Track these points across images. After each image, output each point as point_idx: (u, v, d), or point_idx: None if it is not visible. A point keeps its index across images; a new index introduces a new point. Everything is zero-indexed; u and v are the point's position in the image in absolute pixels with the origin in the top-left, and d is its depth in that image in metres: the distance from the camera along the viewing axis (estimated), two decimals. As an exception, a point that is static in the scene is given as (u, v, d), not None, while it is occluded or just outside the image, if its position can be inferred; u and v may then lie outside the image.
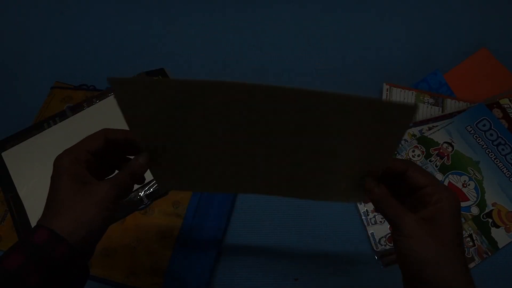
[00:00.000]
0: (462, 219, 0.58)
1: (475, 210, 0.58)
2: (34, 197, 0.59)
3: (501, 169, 0.61)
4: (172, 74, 0.71)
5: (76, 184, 0.33)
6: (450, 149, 0.63)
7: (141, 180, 0.38)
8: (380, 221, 0.59)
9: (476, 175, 0.61)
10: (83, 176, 0.34)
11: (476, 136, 0.63)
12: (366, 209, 0.59)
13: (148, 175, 0.38)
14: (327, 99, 0.32)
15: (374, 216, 0.59)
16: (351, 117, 0.33)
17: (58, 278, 0.31)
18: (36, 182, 0.60)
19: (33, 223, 0.56)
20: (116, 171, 0.40)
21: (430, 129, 0.64)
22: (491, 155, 0.62)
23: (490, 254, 0.56)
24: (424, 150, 0.63)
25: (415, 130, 0.65)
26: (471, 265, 0.55)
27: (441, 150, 0.63)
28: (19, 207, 0.58)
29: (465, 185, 0.60)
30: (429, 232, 0.35)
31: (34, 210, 0.58)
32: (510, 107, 0.65)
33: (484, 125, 0.64)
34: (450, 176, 0.61)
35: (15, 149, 0.63)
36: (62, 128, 0.63)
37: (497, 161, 0.61)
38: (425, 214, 0.36)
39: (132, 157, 0.38)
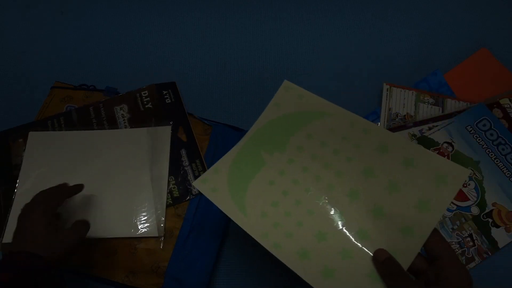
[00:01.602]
0: (463, 219, 0.58)
1: (475, 210, 0.58)
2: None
3: (501, 169, 0.61)
4: (171, 75, 0.71)
5: (49, 226, 0.46)
6: (450, 149, 0.63)
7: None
8: (380, 221, 0.59)
9: (476, 175, 0.61)
10: (54, 221, 0.48)
11: (476, 136, 0.63)
12: (366, 209, 0.59)
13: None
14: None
15: (374, 216, 0.59)
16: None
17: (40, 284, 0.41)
18: (40, 179, 0.60)
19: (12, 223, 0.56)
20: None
21: (430, 129, 0.64)
22: (491, 155, 0.62)
23: (490, 254, 0.56)
24: (424, 150, 0.62)
25: (415, 130, 0.65)
26: (471, 265, 0.55)
27: (441, 150, 0.63)
28: (8, 202, 0.58)
29: (465, 185, 0.60)
30: None
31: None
32: (510, 107, 0.65)
33: (484, 125, 0.64)
34: (450, 176, 0.61)
35: (40, 137, 0.63)
36: (87, 138, 0.63)
37: (497, 161, 0.61)
38: (422, 281, 0.35)
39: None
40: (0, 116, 0.67)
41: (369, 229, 0.40)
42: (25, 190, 0.58)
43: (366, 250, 0.39)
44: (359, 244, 0.39)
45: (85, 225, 0.50)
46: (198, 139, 0.64)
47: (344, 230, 0.41)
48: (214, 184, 0.45)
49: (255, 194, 0.44)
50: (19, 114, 0.66)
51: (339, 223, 0.41)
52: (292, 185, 0.44)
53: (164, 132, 0.63)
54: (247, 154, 0.47)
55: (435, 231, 0.37)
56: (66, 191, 0.52)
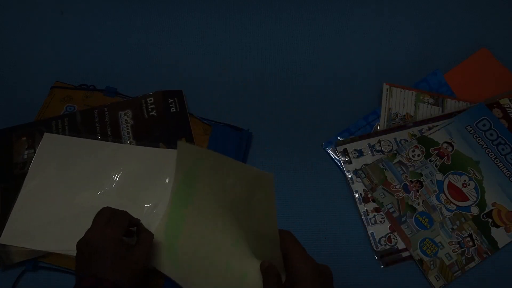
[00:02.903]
0: (462, 219, 0.58)
1: (475, 210, 0.58)
2: (35, 197, 0.58)
3: (501, 169, 0.61)
4: (171, 75, 0.71)
5: (120, 244, 0.44)
6: (450, 149, 0.63)
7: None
8: (380, 221, 0.59)
9: (476, 175, 0.61)
10: (124, 240, 0.46)
11: (476, 136, 0.63)
12: (366, 209, 0.59)
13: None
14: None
15: (374, 216, 0.59)
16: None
17: None
18: (47, 183, 0.59)
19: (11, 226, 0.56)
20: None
21: (430, 129, 0.64)
22: (491, 155, 0.62)
23: (490, 254, 0.56)
24: (424, 150, 0.63)
25: (415, 130, 0.65)
26: (471, 265, 0.55)
27: (441, 150, 0.63)
28: (5, 201, 0.57)
29: (465, 185, 0.60)
30: None
31: (24, 210, 0.57)
32: (510, 107, 0.65)
33: (484, 125, 0.64)
34: (450, 176, 0.61)
35: (55, 140, 0.62)
36: (101, 149, 0.62)
37: (497, 161, 0.61)
38: (287, 283, 0.40)
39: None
40: (0, 116, 0.67)
41: (253, 252, 0.46)
42: (28, 191, 0.58)
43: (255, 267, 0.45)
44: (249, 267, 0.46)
45: (150, 235, 0.48)
46: (198, 139, 0.64)
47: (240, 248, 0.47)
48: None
49: (183, 251, 0.52)
50: (19, 114, 0.66)
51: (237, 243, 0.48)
52: (202, 240, 0.51)
53: (170, 156, 0.60)
54: (174, 215, 0.55)
55: (281, 239, 0.41)
56: (130, 219, 0.49)
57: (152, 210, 0.57)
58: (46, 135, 0.62)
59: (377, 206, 0.59)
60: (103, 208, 0.48)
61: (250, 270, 0.45)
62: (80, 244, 0.43)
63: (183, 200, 0.54)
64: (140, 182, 0.59)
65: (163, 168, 0.60)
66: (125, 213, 0.48)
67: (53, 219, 0.56)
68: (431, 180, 0.60)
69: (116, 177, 0.59)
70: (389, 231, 0.58)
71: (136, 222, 0.50)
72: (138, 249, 0.45)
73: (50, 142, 0.62)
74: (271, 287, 0.41)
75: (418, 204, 0.59)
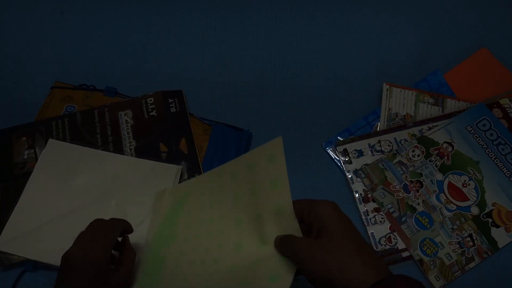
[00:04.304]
0: (462, 219, 0.58)
1: (475, 210, 0.58)
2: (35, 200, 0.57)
3: (501, 169, 0.61)
4: (171, 75, 0.71)
5: (106, 266, 0.42)
6: (450, 149, 0.63)
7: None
8: (380, 221, 0.59)
9: (476, 175, 0.61)
10: (105, 266, 0.42)
11: (476, 136, 0.63)
12: (366, 209, 0.59)
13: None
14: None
15: (374, 216, 0.59)
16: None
17: None
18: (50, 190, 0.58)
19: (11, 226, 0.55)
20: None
21: (430, 129, 0.64)
22: (491, 155, 0.62)
23: (490, 254, 0.56)
24: (424, 150, 0.63)
25: (415, 130, 0.65)
26: (471, 265, 0.55)
27: (441, 150, 0.63)
28: (5, 201, 0.57)
29: (465, 185, 0.60)
30: (320, 245, 0.36)
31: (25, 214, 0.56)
32: (510, 107, 0.65)
33: (484, 125, 0.64)
34: (450, 176, 0.61)
35: (59, 146, 0.61)
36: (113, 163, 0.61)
37: (497, 161, 0.61)
38: (313, 234, 0.38)
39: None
40: (0, 116, 0.67)
41: (262, 234, 0.44)
42: (28, 197, 0.57)
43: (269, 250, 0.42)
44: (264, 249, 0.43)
45: (133, 255, 0.47)
46: (198, 139, 0.64)
47: (245, 248, 0.45)
48: None
49: (169, 283, 0.49)
50: (19, 114, 0.66)
51: (240, 247, 0.46)
52: (193, 255, 0.49)
53: (169, 172, 0.60)
54: (151, 263, 0.52)
55: (295, 202, 0.41)
56: (124, 226, 0.47)
57: (138, 227, 0.55)
58: (50, 141, 0.62)
59: (377, 206, 0.59)
60: (93, 220, 0.45)
61: (263, 259, 0.43)
62: (63, 259, 0.42)
63: (163, 242, 0.53)
64: (136, 196, 0.58)
65: (159, 182, 0.59)
66: (115, 226, 0.46)
67: (50, 228, 0.55)
68: (431, 180, 0.60)
69: (114, 189, 0.58)
70: (389, 231, 0.58)
71: (128, 231, 0.48)
72: (119, 272, 0.44)
73: (54, 148, 0.61)
74: (290, 243, 0.38)
75: (418, 204, 0.59)
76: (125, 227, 0.47)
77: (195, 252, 0.49)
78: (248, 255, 0.44)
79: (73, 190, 0.58)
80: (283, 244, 0.39)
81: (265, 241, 0.43)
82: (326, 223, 0.36)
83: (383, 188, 0.60)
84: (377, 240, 0.57)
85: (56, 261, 0.46)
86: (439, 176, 0.61)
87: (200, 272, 0.47)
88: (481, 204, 0.59)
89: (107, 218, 0.46)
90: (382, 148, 0.63)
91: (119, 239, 0.47)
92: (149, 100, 0.66)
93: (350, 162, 0.63)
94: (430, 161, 0.62)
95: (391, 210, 0.59)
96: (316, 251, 0.35)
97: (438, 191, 0.60)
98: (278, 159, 0.42)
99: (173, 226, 0.53)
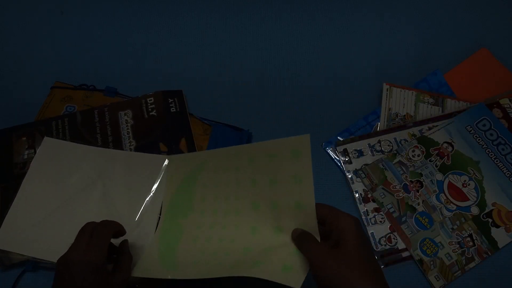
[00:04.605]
0: (462, 219, 0.58)
1: (475, 210, 0.58)
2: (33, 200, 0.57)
3: (501, 169, 0.61)
4: (171, 75, 0.71)
5: (102, 270, 0.42)
6: (450, 149, 0.63)
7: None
8: (380, 221, 0.59)
9: (476, 175, 0.61)
10: (102, 270, 0.42)
11: (476, 136, 0.63)
12: (366, 209, 0.59)
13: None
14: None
15: (374, 216, 0.59)
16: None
17: None
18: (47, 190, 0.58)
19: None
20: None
21: (430, 129, 0.64)
22: (491, 155, 0.62)
23: (490, 254, 0.56)
24: (424, 150, 0.63)
25: (415, 130, 0.65)
26: (471, 265, 0.55)
27: (441, 150, 0.63)
28: (5, 201, 0.57)
29: (465, 185, 0.60)
30: (336, 256, 0.38)
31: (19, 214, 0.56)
32: (510, 107, 0.65)
33: (484, 125, 0.64)
34: (450, 176, 0.61)
35: (54, 144, 0.61)
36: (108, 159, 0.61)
37: (497, 161, 0.61)
38: (331, 242, 0.40)
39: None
40: (0, 116, 0.67)
41: (278, 223, 0.45)
42: (25, 195, 0.58)
43: (284, 239, 0.44)
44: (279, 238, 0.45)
45: (130, 259, 0.47)
46: (198, 139, 0.64)
47: (260, 233, 0.47)
48: (145, 265, 0.50)
49: (184, 254, 0.50)
50: (19, 114, 0.66)
51: (256, 231, 0.47)
52: (210, 230, 0.50)
53: (158, 162, 0.60)
54: (169, 228, 0.54)
55: (318, 205, 0.42)
56: (116, 228, 0.47)
57: (136, 228, 0.56)
58: (46, 139, 0.62)
59: (377, 206, 0.59)
60: (86, 224, 0.45)
61: (276, 246, 0.44)
62: (60, 264, 0.42)
63: (181, 210, 0.54)
64: (131, 192, 0.58)
65: (155, 174, 0.59)
66: (108, 228, 0.46)
67: (47, 226, 0.55)
68: (431, 180, 0.60)
69: (109, 186, 0.58)
70: (389, 231, 0.58)
71: (121, 233, 0.48)
72: (117, 275, 0.44)
73: (49, 146, 0.61)
74: (309, 244, 0.40)
75: (418, 204, 0.59)
76: (117, 229, 0.47)
77: (213, 228, 0.50)
78: (263, 240, 0.45)
79: (68, 187, 0.58)
80: (302, 241, 0.42)
81: (281, 230, 0.44)
82: (346, 238, 0.39)
83: (383, 188, 0.60)
84: (377, 240, 0.57)
85: (53, 257, 0.47)
86: (439, 176, 0.61)
87: (217, 249, 0.48)
88: (481, 204, 0.59)
89: (100, 214, 0.47)
90: (382, 148, 0.63)
91: (116, 242, 0.48)
92: (149, 100, 0.66)
93: (350, 162, 0.63)
94: (430, 161, 0.62)
95: (391, 210, 0.59)
96: (332, 261, 0.38)
97: (438, 191, 0.60)
98: (304, 156, 0.42)
99: (190, 195, 0.54)
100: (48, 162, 0.60)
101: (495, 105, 0.65)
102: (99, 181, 0.59)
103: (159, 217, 0.56)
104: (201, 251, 0.49)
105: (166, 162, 0.60)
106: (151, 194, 0.58)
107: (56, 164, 0.60)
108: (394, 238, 0.57)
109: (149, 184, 0.59)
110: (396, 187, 0.60)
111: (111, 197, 0.58)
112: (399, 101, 0.67)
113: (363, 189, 0.61)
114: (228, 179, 0.51)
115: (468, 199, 0.59)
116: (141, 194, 0.58)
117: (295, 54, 0.73)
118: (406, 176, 0.61)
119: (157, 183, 0.59)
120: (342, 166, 0.63)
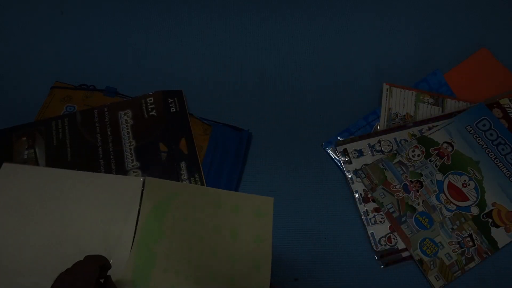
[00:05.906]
0: (462, 219, 0.58)
1: (475, 210, 0.58)
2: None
3: (501, 169, 0.61)
4: (171, 75, 0.71)
5: None
6: (450, 149, 0.63)
7: None
8: (380, 221, 0.59)
9: (476, 175, 0.61)
10: None
11: (476, 136, 0.63)
12: (366, 209, 0.59)
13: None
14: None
15: (374, 216, 0.59)
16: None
17: None
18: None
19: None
20: None
21: (430, 129, 0.64)
22: (491, 155, 0.62)
23: (490, 254, 0.56)
24: (424, 150, 0.63)
25: (415, 130, 0.65)
26: (471, 265, 0.55)
27: (441, 150, 0.63)
28: None
29: (465, 185, 0.60)
30: None
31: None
32: (510, 107, 0.65)
33: (484, 125, 0.64)
34: (450, 176, 0.61)
35: (14, 170, 0.58)
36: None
37: (497, 161, 0.61)
38: None
39: None
40: (0, 116, 0.67)
41: (233, 276, 0.48)
42: None
43: None
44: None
45: None
46: (198, 139, 0.64)
47: (216, 280, 0.49)
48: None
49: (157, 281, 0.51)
50: (19, 114, 0.66)
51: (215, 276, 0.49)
52: (178, 264, 0.51)
53: (134, 184, 0.57)
54: (141, 255, 0.53)
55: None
56: (101, 263, 0.45)
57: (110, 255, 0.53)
58: (4, 165, 0.58)
59: (377, 206, 0.59)
60: (59, 275, 0.42)
61: None
62: None
63: (152, 235, 0.53)
64: (103, 217, 0.55)
65: (129, 198, 0.57)
66: (92, 264, 0.44)
67: (5, 260, 0.52)
68: (431, 180, 0.60)
69: (78, 213, 0.56)
70: (389, 231, 0.58)
71: (107, 267, 0.46)
72: None
73: (8, 173, 0.58)
74: None
75: (418, 204, 0.59)
76: (102, 263, 0.45)
77: (180, 262, 0.51)
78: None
79: (33, 217, 0.55)
80: None
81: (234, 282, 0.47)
82: None
83: (383, 188, 0.60)
84: (377, 240, 0.57)
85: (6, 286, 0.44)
86: (439, 176, 0.61)
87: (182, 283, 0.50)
88: (481, 204, 0.59)
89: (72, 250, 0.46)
90: (382, 148, 0.63)
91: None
92: (149, 100, 0.66)
93: (350, 162, 0.63)
94: (430, 161, 0.62)
95: (391, 210, 0.59)
96: None
97: (438, 191, 0.60)
98: (266, 218, 0.45)
99: (161, 220, 0.54)
100: (7, 188, 0.57)
101: (495, 105, 0.65)
102: (65, 208, 0.56)
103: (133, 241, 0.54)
104: (171, 285, 0.50)
105: (141, 184, 0.57)
106: (124, 216, 0.55)
107: (17, 191, 0.56)
108: (394, 238, 0.57)
109: (121, 207, 0.56)
110: (396, 187, 0.60)
111: (73, 219, 0.55)
112: (399, 101, 0.67)
113: (363, 189, 0.61)
114: (195, 218, 0.53)
115: (468, 199, 0.59)
116: (113, 217, 0.55)
117: (295, 54, 0.73)
118: (406, 176, 0.61)
119: (132, 207, 0.56)
120: (342, 166, 0.63)
